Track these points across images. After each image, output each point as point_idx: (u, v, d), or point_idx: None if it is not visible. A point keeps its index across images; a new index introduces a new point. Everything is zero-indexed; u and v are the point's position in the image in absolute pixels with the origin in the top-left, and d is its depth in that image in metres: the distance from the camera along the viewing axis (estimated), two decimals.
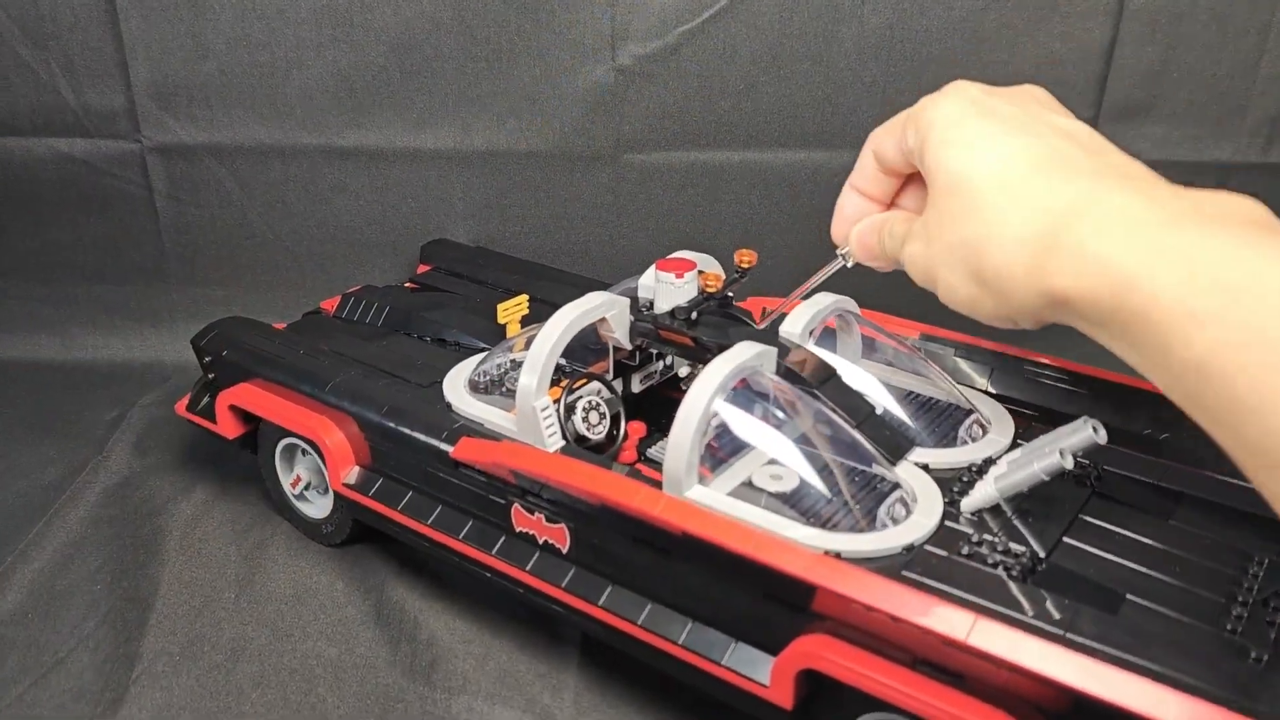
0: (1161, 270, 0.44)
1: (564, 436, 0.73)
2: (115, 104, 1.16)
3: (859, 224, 0.68)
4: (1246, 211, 0.47)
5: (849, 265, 0.70)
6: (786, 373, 0.71)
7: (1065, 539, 0.63)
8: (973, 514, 0.65)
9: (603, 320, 0.77)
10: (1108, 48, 1.09)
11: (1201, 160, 1.15)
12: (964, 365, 0.82)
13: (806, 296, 0.75)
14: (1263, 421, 0.41)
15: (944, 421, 0.74)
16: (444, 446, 0.75)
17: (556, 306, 0.76)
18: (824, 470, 0.66)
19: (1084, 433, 0.63)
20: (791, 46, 1.11)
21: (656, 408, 0.84)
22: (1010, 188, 0.53)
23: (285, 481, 0.90)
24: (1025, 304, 0.52)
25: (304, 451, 0.88)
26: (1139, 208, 0.48)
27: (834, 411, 0.69)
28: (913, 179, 0.67)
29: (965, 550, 0.61)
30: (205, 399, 0.93)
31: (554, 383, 0.74)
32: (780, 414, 0.68)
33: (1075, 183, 0.51)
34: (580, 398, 0.77)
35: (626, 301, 0.79)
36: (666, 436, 0.71)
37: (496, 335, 0.90)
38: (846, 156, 1.15)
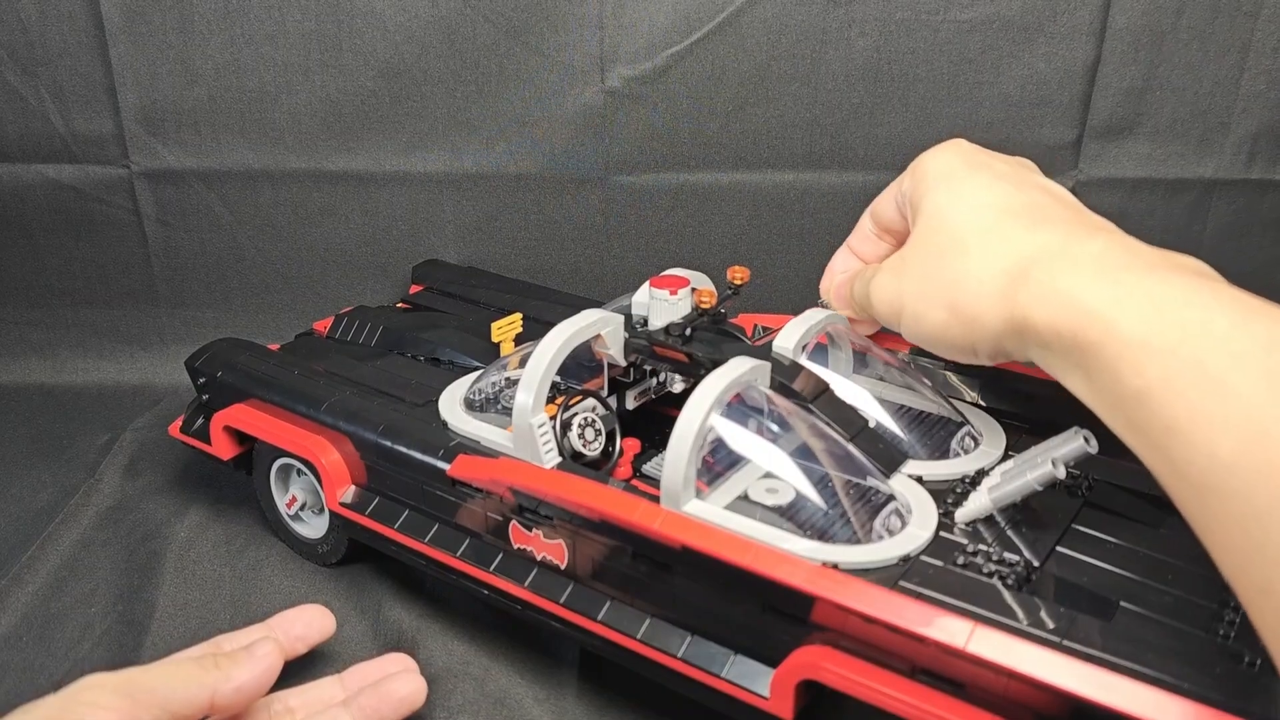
0: (1126, 306, 0.49)
1: (560, 453, 0.73)
2: (104, 130, 1.16)
3: (839, 277, 0.77)
4: (1196, 265, 0.53)
5: None
6: (780, 387, 0.71)
7: (1058, 548, 0.64)
8: (967, 524, 0.66)
9: (598, 337, 0.78)
10: (1091, 67, 1.11)
11: (1185, 177, 1.16)
12: (954, 379, 0.83)
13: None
14: (1191, 444, 0.45)
15: (936, 434, 0.75)
16: (441, 464, 0.75)
17: (550, 325, 0.76)
18: (819, 483, 0.66)
19: (1075, 443, 0.63)
20: (779, 69, 1.12)
21: (651, 424, 0.85)
22: (993, 228, 0.59)
23: (280, 502, 0.90)
24: (991, 330, 0.58)
25: (299, 472, 0.88)
26: (1108, 252, 0.54)
27: (828, 425, 0.70)
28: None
29: (960, 560, 0.62)
30: (199, 421, 0.93)
31: (549, 400, 0.74)
32: (775, 428, 0.69)
33: (1053, 229, 0.57)
34: (576, 414, 0.77)
35: (621, 318, 0.79)
36: (661, 452, 0.72)
37: (490, 354, 0.90)
38: (834, 177, 1.17)
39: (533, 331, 0.82)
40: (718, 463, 0.68)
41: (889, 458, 0.70)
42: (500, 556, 0.75)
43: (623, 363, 0.81)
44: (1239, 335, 0.45)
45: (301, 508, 0.89)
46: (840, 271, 0.77)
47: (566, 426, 0.76)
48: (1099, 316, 0.50)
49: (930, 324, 0.61)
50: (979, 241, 0.59)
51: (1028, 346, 0.56)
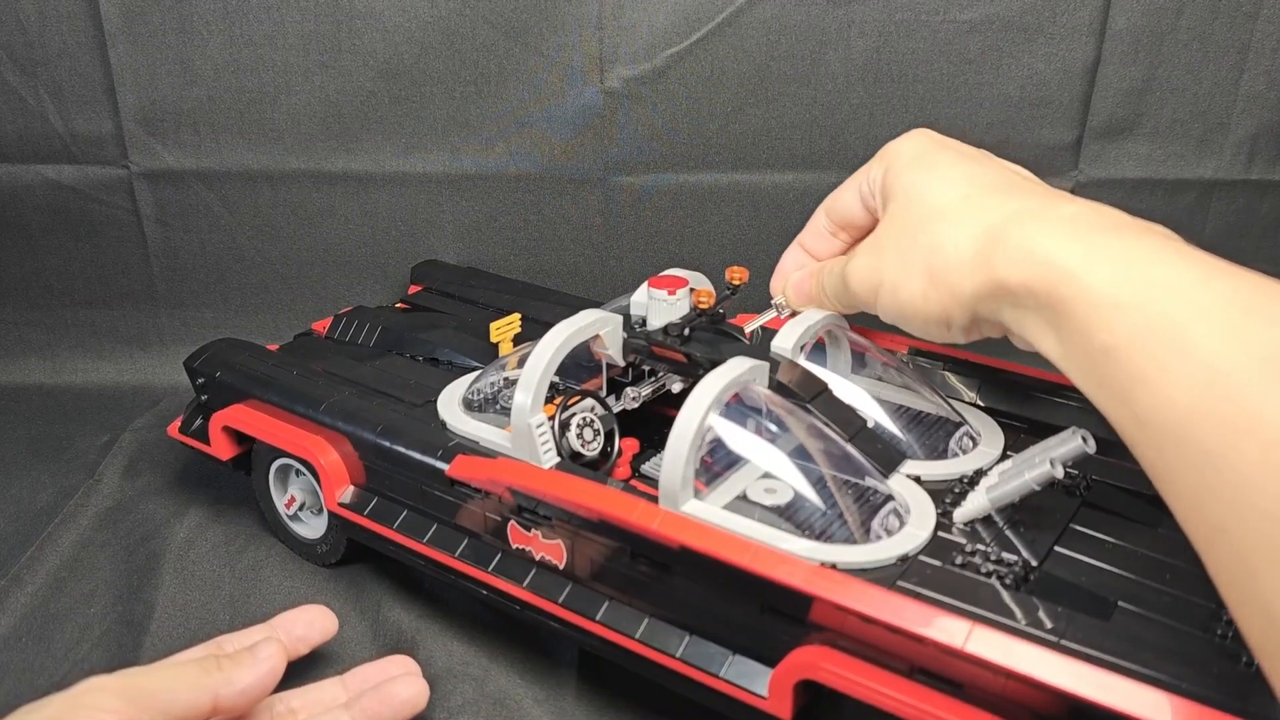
0: (1097, 265, 0.51)
1: (559, 453, 0.73)
2: (103, 130, 1.16)
3: (794, 274, 0.78)
4: (1164, 230, 0.55)
5: (783, 316, 0.78)
6: (779, 387, 0.71)
7: (1057, 548, 0.64)
8: (965, 524, 0.66)
9: (596, 337, 0.78)
10: (1091, 67, 1.11)
11: (1185, 178, 1.16)
12: (953, 379, 0.83)
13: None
14: (1154, 395, 0.47)
15: (934, 434, 0.75)
16: (440, 465, 0.75)
17: (548, 325, 0.76)
18: (818, 483, 0.66)
19: (1073, 443, 0.63)
20: (779, 70, 1.12)
21: (649, 424, 0.85)
22: (968, 197, 0.61)
23: (279, 502, 0.90)
24: (967, 295, 0.59)
25: (298, 472, 0.88)
26: (1081, 215, 0.56)
27: (826, 425, 0.70)
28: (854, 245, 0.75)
29: (959, 560, 0.62)
30: (198, 421, 0.93)
31: (548, 400, 0.74)
32: (773, 428, 0.69)
33: (1026, 197, 0.60)
34: (574, 414, 0.77)
35: (619, 319, 0.79)
36: (660, 452, 0.72)
37: (489, 354, 0.90)
38: (833, 178, 1.16)
39: (531, 332, 0.82)
40: (716, 463, 0.68)
41: (887, 458, 0.70)
42: (499, 557, 0.75)
43: (621, 363, 0.81)
44: (1203, 291, 0.48)
45: (300, 508, 0.89)
46: (794, 269, 0.79)
47: (565, 427, 0.76)
48: (1071, 275, 0.52)
49: (907, 294, 0.63)
50: (955, 210, 0.61)
51: (1002, 308, 0.57)
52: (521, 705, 0.74)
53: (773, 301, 0.79)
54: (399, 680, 0.70)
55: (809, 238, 0.79)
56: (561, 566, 0.71)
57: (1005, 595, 0.59)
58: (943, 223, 0.61)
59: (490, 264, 1.21)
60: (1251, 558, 0.43)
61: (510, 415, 0.73)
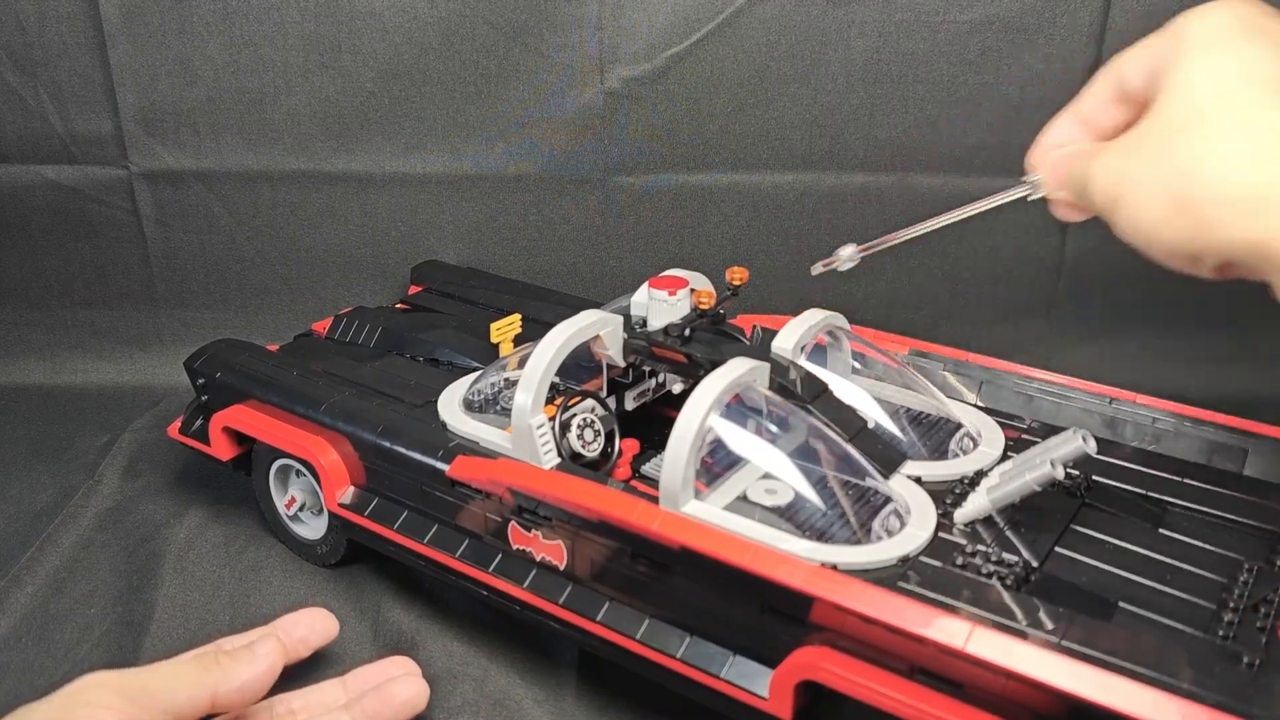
0: None
1: (559, 454, 0.73)
2: (103, 130, 1.16)
3: (1056, 152, 0.60)
4: None
5: (1032, 197, 0.62)
6: (779, 388, 0.71)
7: (1057, 548, 0.64)
8: (966, 525, 0.66)
9: (596, 338, 0.78)
10: (1091, 68, 1.10)
11: None
12: (953, 380, 0.83)
13: (963, 221, 0.66)
14: None
15: (935, 435, 0.75)
16: (440, 465, 0.75)
17: (549, 326, 0.76)
18: (818, 484, 0.66)
19: (1074, 443, 0.63)
20: (779, 70, 1.12)
21: (650, 425, 0.85)
22: (1253, 113, 0.46)
23: (280, 503, 0.90)
24: (1221, 247, 0.46)
25: (298, 473, 0.88)
26: None
27: (827, 426, 0.70)
28: None
29: (959, 561, 0.62)
30: (198, 421, 0.93)
31: (548, 400, 0.74)
32: (774, 428, 0.69)
33: None
34: (575, 415, 0.77)
35: (620, 319, 0.79)
36: (660, 453, 0.72)
37: (489, 354, 0.90)
38: (833, 179, 1.17)
39: (532, 332, 0.82)
40: (717, 463, 0.68)
41: (888, 458, 0.70)
42: (499, 557, 0.75)
43: (622, 363, 0.81)
44: None
45: (300, 508, 0.89)
46: (1056, 145, 0.60)
47: (565, 427, 0.76)
48: None
49: (1148, 218, 0.49)
50: (1233, 127, 0.46)
51: (1271, 273, 0.45)
52: (521, 705, 0.74)
53: (1025, 178, 0.61)
54: (399, 681, 0.70)
55: (1087, 103, 0.59)
56: (562, 567, 0.71)
57: (1006, 596, 0.59)
58: (1210, 141, 0.47)
59: (490, 264, 1.21)
60: None
61: (511, 416, 0.73)
